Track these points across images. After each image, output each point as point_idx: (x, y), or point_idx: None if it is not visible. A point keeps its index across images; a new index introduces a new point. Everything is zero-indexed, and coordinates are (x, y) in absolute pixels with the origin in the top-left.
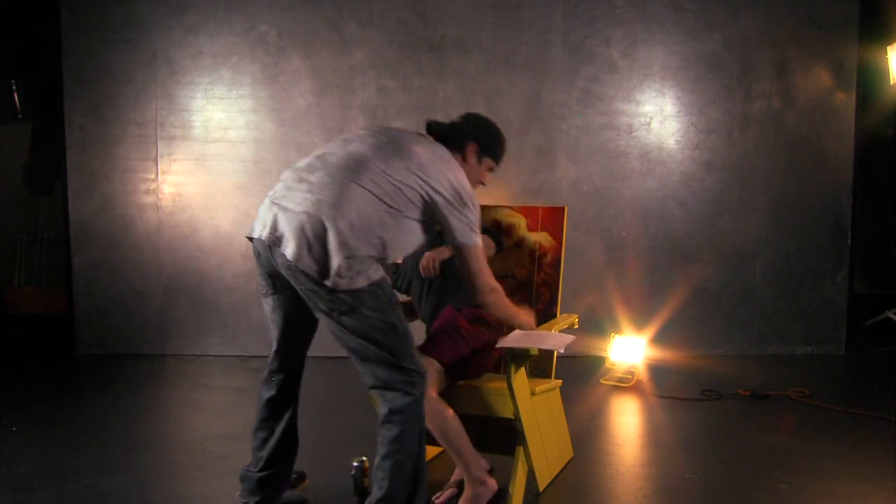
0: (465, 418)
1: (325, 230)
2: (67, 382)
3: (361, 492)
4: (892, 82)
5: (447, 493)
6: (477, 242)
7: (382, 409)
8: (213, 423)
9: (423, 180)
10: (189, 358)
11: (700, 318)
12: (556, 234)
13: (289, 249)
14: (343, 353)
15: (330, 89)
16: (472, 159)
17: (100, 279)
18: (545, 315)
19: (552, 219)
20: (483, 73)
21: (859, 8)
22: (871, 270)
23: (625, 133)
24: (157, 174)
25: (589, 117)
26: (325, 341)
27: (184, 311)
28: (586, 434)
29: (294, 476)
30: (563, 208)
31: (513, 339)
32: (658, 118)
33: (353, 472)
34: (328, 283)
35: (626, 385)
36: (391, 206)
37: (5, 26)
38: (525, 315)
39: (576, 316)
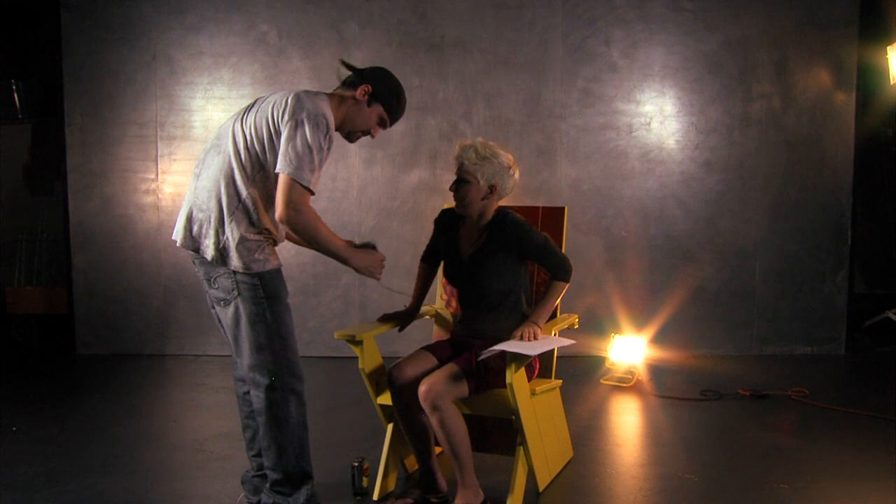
0: (465, 418)
1: None
2: (67, 382)
3: (361, 491)
4: (892, 82)
5: None
6: (295, 172)
7: None
8: (212, 423)
9: (273, 109)
10: (189, 358)
11: (700, 318)
12: (557, 234)
13: None
14: (344, 352)
15: (330, 89)
16: (362, 100)
17: (100, 279)
18: None
19: (552, 219)
20: (483, 73)
21: (859, 8)
22: (871, 270)
23: (625, 133)
24: (157, 174)
25: (589, 117)
26: (326, 341)
27: (184, 311)
28: (586, 434)
29: None
30: (564, 208)
31: (513, 345)
32: (658, 118)
33: (352, 472)
34: None
35: (626, 385)
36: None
37: (5, 26)
38: (338, 241)
39: (576, 316)
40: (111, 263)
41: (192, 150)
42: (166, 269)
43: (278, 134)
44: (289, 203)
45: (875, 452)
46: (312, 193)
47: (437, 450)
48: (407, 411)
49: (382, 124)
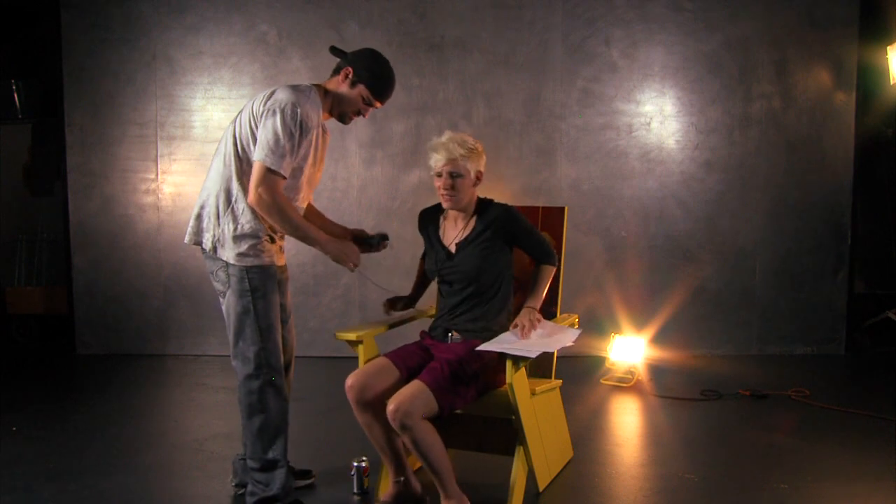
0: (465, 418)
1: None
2: (67, 382)
3: (362, 491)
4: (892, 82)
5: None
6: (266, 159)
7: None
8: (212, 423)
9: (254, 105)
10: (189, 358)
11: (700, 318)
12: (557, 234)
13: None
14: (344, 352)
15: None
16: (344, 84)
17: (100, 279)
18: (545, 315)
19: (552, 219)
20: (483, 73)
21: (859, 8)
22: (871, 270)
23: (625, 133)
24: (157, 174)
25: (589, 117)
26: (326, 341)
27: (184, 311)
28: (586, 434)
29: (301, 470)
30: (564, 208)
31: (513, 345)
32: (658, 118)
33: (353, 472)
34: None
35: (626, 385)
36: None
37: (5, 26)
38: (310, 226)
39: (576, 316)
40: (111, 263)
41: (192, 150)
42: (166, 269)
43: (256, 121)
44: (256, 187)
45: (875, 452)
46: (284, 178)
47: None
48: (369, 423)
49: (369, 103)
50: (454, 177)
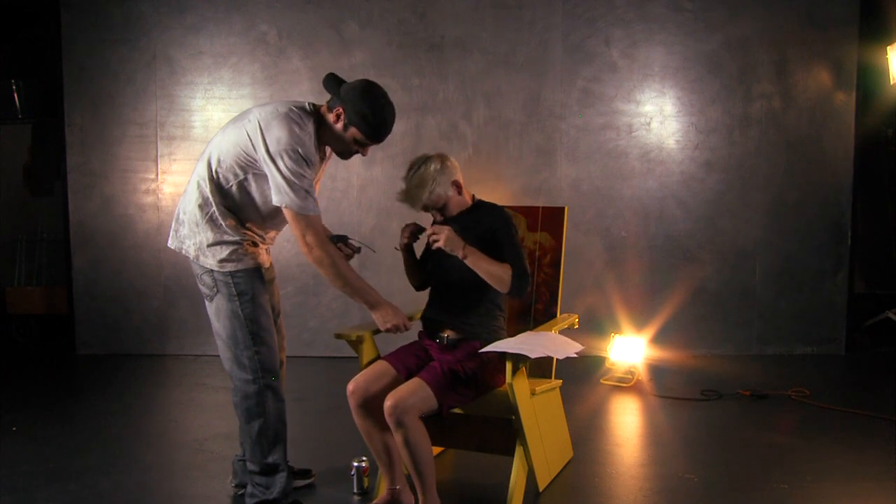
0: (465, 418)
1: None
2: (67, 382)
3: (362, 491)
4: (892, 82)
5: None
6: (291, 204)
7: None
8: (212, 423)
9: (247, 125)
10: (189, 358)
11: (700, 318)
12: (556, 234)
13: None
14: (344, 352)
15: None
16: (338, 124)
17: (100, 279)
18: (545, 315)
19: (552, 219)
20: (483, 73)
21: (859, 8)
22: (871, 270)
23: (625, 133)
24: (157, 174)
25: (589, 117)
26: (326, 341)
27: (184, 311)
28: (586, 434)
29: (301, 470)
30: (564, 208)
31: (513, 345)
32: (658, 118)
33: (353, 472)
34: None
35: (626, 385)
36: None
37: (5, 26)
38: (369, 292)
39: (576, 316)
40: (111, 263)
41: (192, 150)
42: (166, 269)
43: (247, 151)
44: (303, 237)
45: (875, 452)
46: (318, 214)
47: (439, 449)
48: (369, 429)
49: (364, 144)
50: (438, 208)
